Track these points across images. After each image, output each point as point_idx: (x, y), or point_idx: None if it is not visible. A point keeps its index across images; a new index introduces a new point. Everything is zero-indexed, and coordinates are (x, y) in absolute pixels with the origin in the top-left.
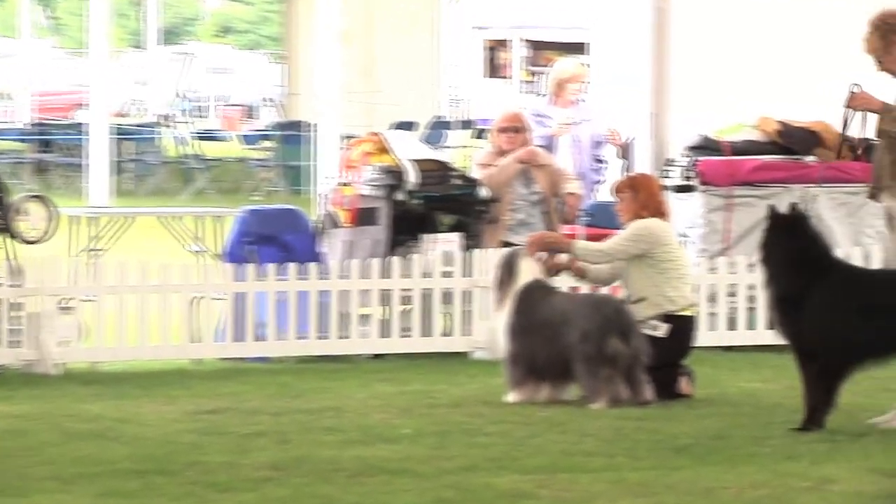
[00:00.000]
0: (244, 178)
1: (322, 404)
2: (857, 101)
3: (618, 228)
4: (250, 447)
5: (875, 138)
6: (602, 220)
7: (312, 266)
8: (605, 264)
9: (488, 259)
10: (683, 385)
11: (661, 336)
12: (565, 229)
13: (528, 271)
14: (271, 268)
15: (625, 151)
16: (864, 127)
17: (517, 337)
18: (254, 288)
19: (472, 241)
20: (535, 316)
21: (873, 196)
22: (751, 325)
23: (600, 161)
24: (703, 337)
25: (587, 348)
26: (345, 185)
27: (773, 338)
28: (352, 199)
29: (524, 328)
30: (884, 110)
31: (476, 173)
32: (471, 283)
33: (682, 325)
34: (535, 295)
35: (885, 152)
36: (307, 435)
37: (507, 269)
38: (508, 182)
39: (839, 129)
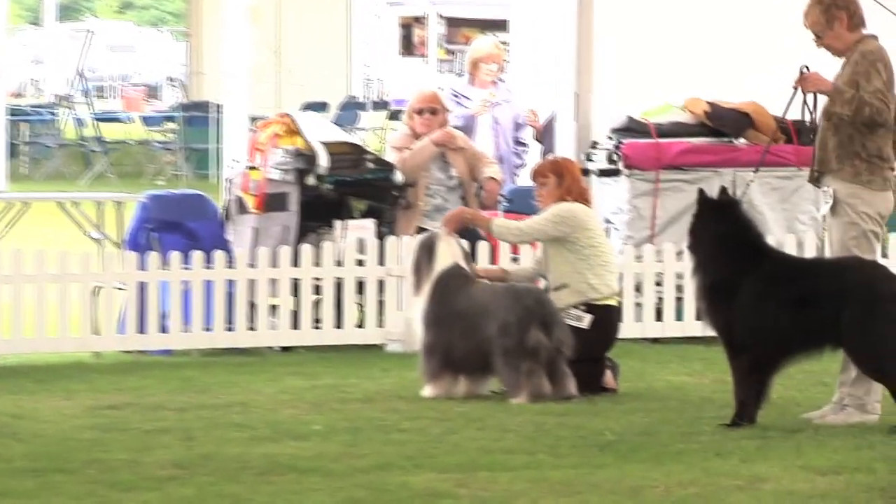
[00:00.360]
0: (147, 161)
1: (229, 399)
2: (807, 82)
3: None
4: (153, 444)
5: (808, 121)
6: (523, 206)
7: (218, 254)
8: (529, 265)
9: (403, 246)
10: (608, 379)
11: (584, 327)
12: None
13: (447, 256)
14: (175, 256)
15: (542, 134)
16: (814, 108)
17: (433, 327)
18: (157, 277)
19: (387, 228)
20: (452, 305)
21: (815, 180)
22: (678, 316)
23: (521, 144)
24: (629, 328)
25: (507, 341)
26: (252, 169)
27: (701, 329)
28: (260, 183)
29: (441, 318)
30: (834, 92)
31: (390, 156)
32: (385, 272)
33: (605, 316)
34: (453, 283)
35: (831, 134)
36: (213, 432)
37: (425, 254)
38: (424, 166)
39: (775, 110)
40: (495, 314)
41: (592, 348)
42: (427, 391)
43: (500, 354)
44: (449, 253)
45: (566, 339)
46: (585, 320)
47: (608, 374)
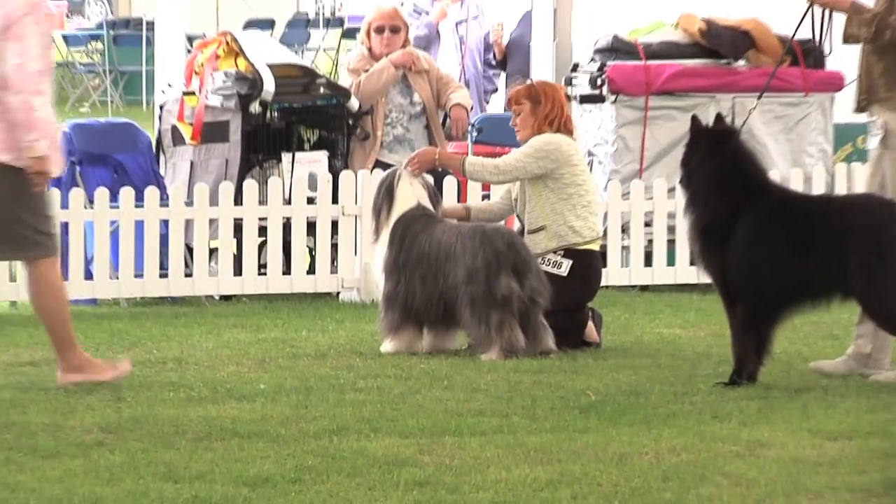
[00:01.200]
0: (69, 86)
1: (162, 355)
2: None
3: (512, 146)
4: (77, 406)
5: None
6: (494, 136)
7: (150, 191)
8: (495, 201)
9: (360, 182)
10: (590, 331)
11: (563, 274)
12: (450, 147)
13: (409, 196)
14: (101, 193)
15: (505, 54)
16: (829, 28)
17: (393, 275)
18: (81, 217)
19: (341, 161)
20: (414, 250)
21: (862, 109)
22: (670, 261)
23: (492, 66)
24: (614, 275)
25: (474, 288)
26: (189, 94)
27: (696, 275)
28: (197, 111)
29: (401, 265)
30: (852, 10)
31: (345, 80)
32: (339, 211)
33: (587, 262)
34: (415, 226)
35: (875, 59)
36: (144, 391)
37: (385, 195)
38: (383, 90)
39: (779, 28)
40: (461, 259)
41: (572, 297)
42: (386, 346)
43: (467, 304)
44: (411, 193)
45: (542, 287)
46: (564, 266)
47: (590, 326)
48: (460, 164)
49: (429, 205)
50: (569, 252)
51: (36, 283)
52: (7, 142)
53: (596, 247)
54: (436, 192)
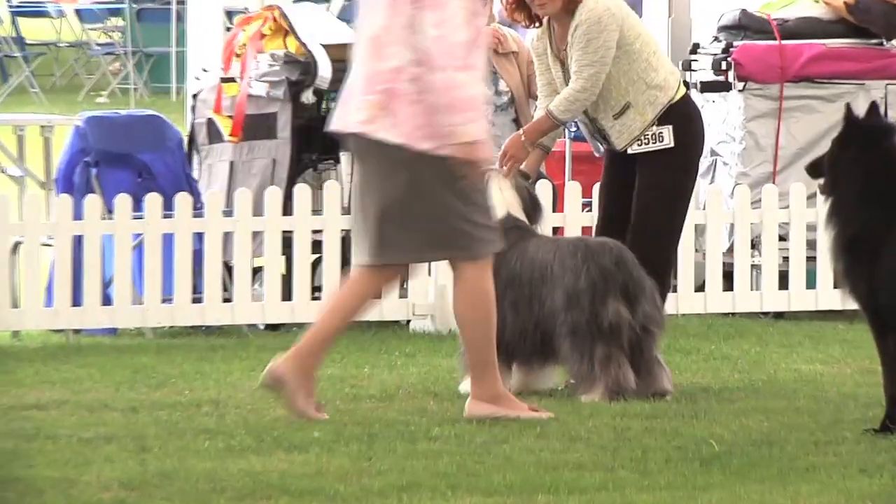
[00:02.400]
0: (83, 71)
1: (196, 396)
2: None
3: None
4: (93, 457)
5: None
6: None
7: (182, 198)
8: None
9: None
10: (656, 380)
11: (670, 145)
12: None
13: (498, 205)
14: (123, 200)
15: None
16: None
17: None
18: (98, 230)
19: None
20: (503, 270)
21: None
22: (810, 283)
23: None
24: (743, 300)
25: (576, 316)
26: (228, 81)
27: (841, 301)
28: (239, 101)
29: None
30: None
31: None
32: None
33: (685, 115)
34: (505, 240)
35: None
36: (174, 440)
37: None
38: None
39: None
40: (559, 280)
41: (684, 166)
42: (467, 385)
43: (567, 335)
44: (499, 200)
45: (657, 313)
46: (667, 136)
47: (659, 373)
48: (549, 122)
49: (521, 214)
50: (665, 116)
51: (462, 288)
52: (428, 127)
53: (683, 91)
54: (536, 199)
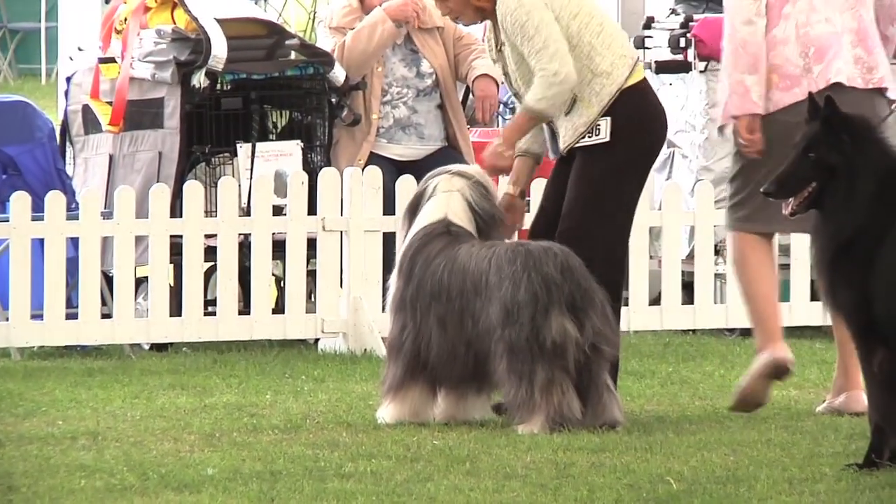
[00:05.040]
0: None
1: (70, 427)
2: None
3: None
4: None
5: None
6: None
7: (53, 197)
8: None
9: (347, 185)
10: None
11: (605, 139)
12: (475, 135)
13: (435, 209)
14: None
15: None
16: None
17: (400, 315)
18: None
19: (320, 156)
20: (427, 280)
21: None
22: (783, 295)
23: None
24: (704, 315)
25: (515, 332)
26: (107, 62)
27: (820, 316)
28: (120, 85)
29: (411, 301)
30: None
31: (325, 42)
32: (317, 225)
33: (631, 103)
34: (430, 246)
35: None
36: (46, 479)
37: (408, 209)
38: (377, 54)
39: None
40: (495, 291)
41: (621, 163)
42: (385, 412)
43: (504, 354)
44: (441, 204)
45: (608, 330)
46: (603, 128)
47: (608, 401)
48: (526, 117)
49: (461, 219)
50: (611, 106)
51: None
52: None
53: (640, 76)
54: (493, 216)
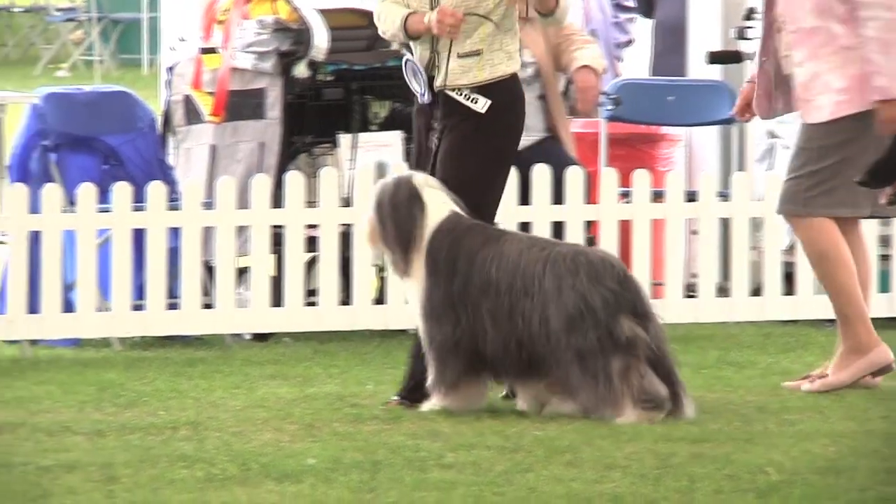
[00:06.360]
0: (41, 40)
1: (171, 418)
2: None
3: (659, 123)
4: (52, 489)
5: None
6: (636, 111)
7: (154, 188)
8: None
9: None
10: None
11: (480, 111)
12: (576, 126)
13: (440, 204)
14: (85, 191)
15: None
16: None
17: (450, 312)
18: (57, 225)
19: None
20: (477, 275)
21: None
22: (883, 286)
23: (625, 8)
24: (805, 305)
25: (582, 337)
26: (209, 52)
27: None
28: (221, 76)
29: (461, 297)
30: None
31: None
32: None
33: (511, 91)
34: (467, 241)
35: None
36: (147, 469)
37: (409, 206)
38: None
39: None
40: (553, 296)
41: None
42: (444, 405)
43: (574, 360)
44: (441, 199)
45: (665, 336)
46: (482, 102)
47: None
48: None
49: (464, 211)
50: (490, 87)
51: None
52: None
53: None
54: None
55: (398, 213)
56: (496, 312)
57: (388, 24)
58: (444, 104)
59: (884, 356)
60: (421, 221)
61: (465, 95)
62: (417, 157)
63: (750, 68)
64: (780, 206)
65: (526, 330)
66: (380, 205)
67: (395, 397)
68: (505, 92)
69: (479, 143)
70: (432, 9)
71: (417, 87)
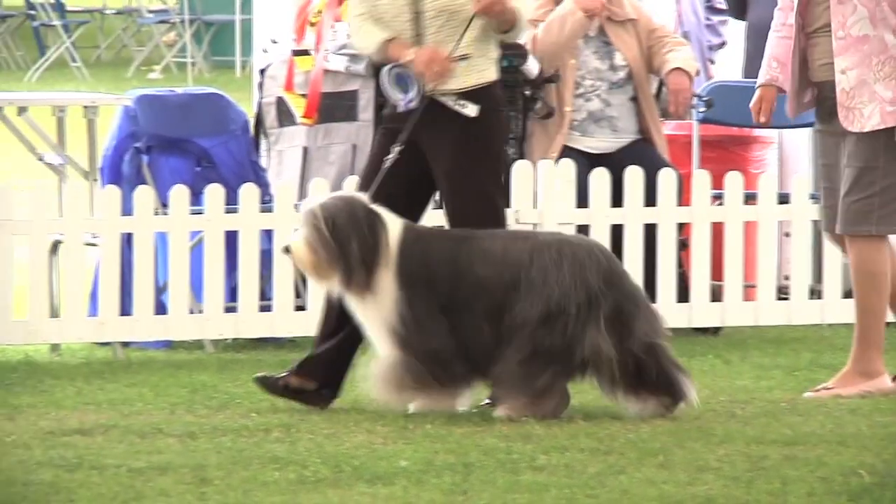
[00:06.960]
0: (133, 42)
1: (264, 420)
2: None
3: (750, 124)
4: (145, 490)
5: None
6: (729, 113)
7: (247, 190)
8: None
9: (541, 178)
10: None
11: (471, 115)
12: (669, 128)
13: (393, 218)
14: (178, 193)
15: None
16: None
17: (438, 318)
18: (150, 227)
19: (515, 148)
20: (464, 277)
21: None
22: None
23: (717, 10)
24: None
25: (547, 337)
26: (302, 54)
27: None
28: (314, 78)
29: (448, 300)
30: None
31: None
32: (511, 217)
33: (495, 98)
34: (438, 245)
35: None
36: (239, 471)
37: (368, 224)
38: (568, 46)
39: None
40: (538, 287)
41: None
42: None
43: (525, 347)
44: (386, 212)
45: (658, 323)
46: (471, 107)
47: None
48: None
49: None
50: (478, 93)
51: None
52: None
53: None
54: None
55: (359, 230)
56: (489, 311)
57: (365, 42)
58: (427, 111)
59: (886, 385)
60: (385, 236)
61: (455, 101)
62: (366, 174)
63: None
64: (846, 227)
65: (511, 324)
66: (335, 226)
67: (487, 400)
68: (491, 99)
69: (480, 151)
70: (415, 34)
71: (401, 95)
